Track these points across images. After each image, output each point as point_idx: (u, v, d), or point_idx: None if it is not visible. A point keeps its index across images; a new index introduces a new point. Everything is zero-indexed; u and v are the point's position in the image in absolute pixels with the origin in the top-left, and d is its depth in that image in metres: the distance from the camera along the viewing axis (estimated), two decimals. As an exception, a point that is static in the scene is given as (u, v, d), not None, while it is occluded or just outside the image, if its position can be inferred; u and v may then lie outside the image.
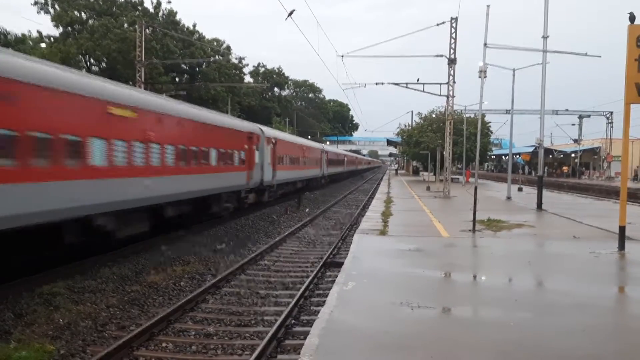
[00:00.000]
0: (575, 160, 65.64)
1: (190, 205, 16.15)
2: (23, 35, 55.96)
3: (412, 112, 57.51)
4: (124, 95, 12.59)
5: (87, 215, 10.75)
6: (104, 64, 52.32)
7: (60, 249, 10.73)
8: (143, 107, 13.26)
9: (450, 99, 27.68)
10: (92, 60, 53.16)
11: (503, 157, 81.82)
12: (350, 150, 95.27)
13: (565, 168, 64.35)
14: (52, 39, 52.20)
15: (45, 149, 9.43)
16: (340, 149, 73.16)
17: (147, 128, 13.25)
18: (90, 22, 52.27)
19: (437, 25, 26.33)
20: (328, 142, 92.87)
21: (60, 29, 52.07)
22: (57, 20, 51.18)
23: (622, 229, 11.12)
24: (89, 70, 49.45)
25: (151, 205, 13.61)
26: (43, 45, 50.82)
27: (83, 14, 52.97)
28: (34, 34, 54.77)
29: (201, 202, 17.04)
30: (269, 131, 26.51)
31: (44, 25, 58.62)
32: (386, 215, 17.80)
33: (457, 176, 46.04)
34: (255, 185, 22.54)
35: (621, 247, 11.01)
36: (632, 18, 10.50)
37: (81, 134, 10.56)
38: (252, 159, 21.94)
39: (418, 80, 27.93)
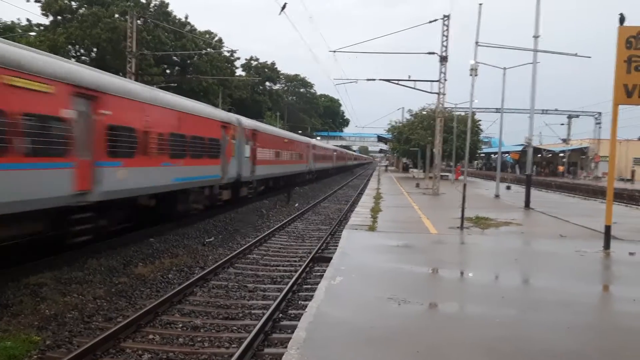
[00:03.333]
0: (564, 160, 66.21)
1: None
2: (12, 22, 55.23)
3: (402, 108, 57.62)
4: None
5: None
6: (93, 54, 51.83)
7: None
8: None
9: (441, 96, 27.78)
10: (82, 50, 52.62)
11: (492, 155, 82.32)
12: (341, 146, 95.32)
13: (560, 167, 64.86)
14: (41, 27, 51.59)
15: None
16: (329, 144, 72.80)
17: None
18: (81, 11, 51.68)
19: (430, 22, 26.42)
20: (319, 137, 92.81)
21: (50, 18, 51.45)
22: (46, 8, 50.55)
23: (607, 229, 11.26)
24: (78, 60, 48.95)
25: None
26: (32, 34, 50.21)
27: (73, 2, 52.36)
28: (24, 22, 54.13)
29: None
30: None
31: (33, 14, 57.99)
32: (375, 211, 17.86)
33: (446, 173, 46.23)
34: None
35: (607, 246, 11.15)
36: (621, 19, 10.59)
37: None
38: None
39: (409, 77, 27.98)
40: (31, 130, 9.19)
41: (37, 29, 51.72)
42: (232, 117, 21.84)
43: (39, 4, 50.95)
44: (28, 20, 53.01)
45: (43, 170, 9.56)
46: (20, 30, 52.65)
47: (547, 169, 70.96)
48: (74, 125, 10.45)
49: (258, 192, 26.12)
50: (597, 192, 36.46)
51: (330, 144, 76.42)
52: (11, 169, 8.80)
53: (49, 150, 9.69)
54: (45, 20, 51.80)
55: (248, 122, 24.43)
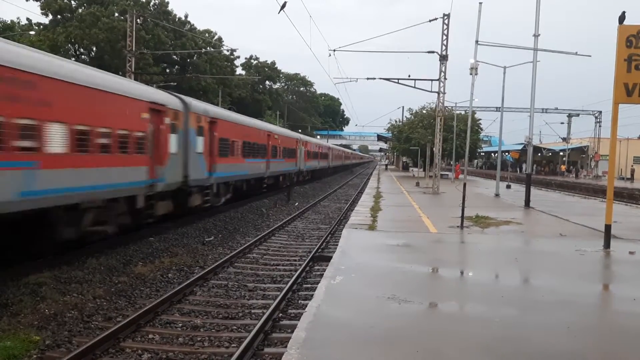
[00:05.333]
0: (564, 159, 66.22)
1: None
2: (12, 22, 55.23)
3: (402, 107, 57.57)
4: None
5: None
6: (92, 53, 51.82)
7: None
8: None
9: (441, 95, 27.77)
10: (81, 50, 52.61)
11: (492, 154, 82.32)
12: (341, 145, 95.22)
13: (563, 167, 64.87)
14: (41, 26, 51.57)
15: None
16: (327, 142, 71.11)
17: None
18: (80, 10, 51.66)
19: (430, 21, 26.40)
20: (319, 136, 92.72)
21: (50, 17, 51.43)
22: (45, 7, 50.53)
23: (607, 228, 11.25)
24: (77, 59, 48.93)
25: None
26: (32, 33, 50.19)
27: (72, 1, 52.33)
28: (24, 22, 54.12)
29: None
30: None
31: (33, 13, 57.97)
32: (375, 210, 17.86)
33: (446, 172, 46.24)
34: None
35: (607, 245, 11.14)
36: (621, 18, 10.58)
37: None
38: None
39: (409, 76, 27.97)
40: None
41: (36, 28, 51.68)
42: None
43: (39, 3, 50.98)
44: (28, 19, 53.06)
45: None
46: (19, 30, 52.64)
47: (547, 168, 70.99)
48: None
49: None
50: (597, 191, 36.47)
51: (330, 143, 76.17)
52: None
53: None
54: (45, 20, 51.84)
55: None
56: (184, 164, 16.06)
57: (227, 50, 63.42)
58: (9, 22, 55.02)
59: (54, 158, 9.83)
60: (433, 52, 27.06)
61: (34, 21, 52.79)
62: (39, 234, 10.29)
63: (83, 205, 11.15)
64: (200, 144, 17.44)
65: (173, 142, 15.28)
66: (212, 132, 18.61)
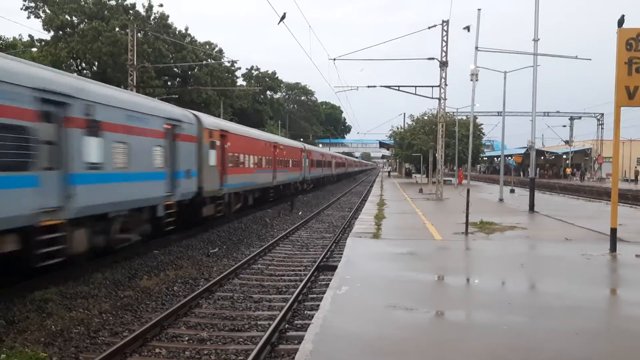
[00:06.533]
0: (567, 162, 66.11)
1: None
2: (14, 39, 55.63)
3: (404, 114, 57.74)
4: None
5: None
6: (95, 68, 52.12)
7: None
8: None
9: (442, 101, 27.82)
10: (83, 64, 52.93)
11: (495, 158, 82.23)
12: (343, 153, 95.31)
13: (568, 170, 64.75)
14: (43, 42, 51.92)
15: None
16: (329, 150, 71.65)
17: None
18: (81, 25, 52.04)
19: (429, 28, 26.52)
20: (320, 145, 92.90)
21: (52, 33, 51.81)
22: (47, 23, 50.92)
23: (613, 231, 11.21)
24: (80, 74, 49.20)
25: None
26: (34, 49, 50.53)
27: (74, 17, 52.72)
28: (25, 38, 54.49)
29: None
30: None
31: (35, 30, 58.57)
32: (379, 218, 17.83)
33: (449, 178, 46.19)
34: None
35: (613, 249, 11.09)
36: (620, 22, 10.60)
37: None
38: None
39: (413, 87, 28.06)
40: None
41: (38, 44, 52.04)
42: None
43: (40, 20, 51.39)
44: (30, 36, 53.39)
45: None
46: (22, 47, 53.03)
47: (551, 171, 70.82)
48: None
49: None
50: (601, 194, 36.34)
51: (332, 151, 76.28)
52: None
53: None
54: (47, 36, 52.20)
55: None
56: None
57: (228, 62, 63.77)
58: (10, 39, 55.41)
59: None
60: (433, 58, 27.16)
61: (35, 37, 53.20)
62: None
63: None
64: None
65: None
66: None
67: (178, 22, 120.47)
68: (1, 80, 8.48)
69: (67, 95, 10.07)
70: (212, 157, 18.36)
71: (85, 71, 52.19)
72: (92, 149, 10.87)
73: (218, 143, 19.00)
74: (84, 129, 10.60)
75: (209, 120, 19.07)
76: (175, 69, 58.37)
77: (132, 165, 12.61)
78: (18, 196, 8.83)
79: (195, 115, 17.60)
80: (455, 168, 46.32)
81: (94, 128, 10.94)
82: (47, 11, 51.27)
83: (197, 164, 16.87)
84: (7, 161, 8.62)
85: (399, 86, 28.83)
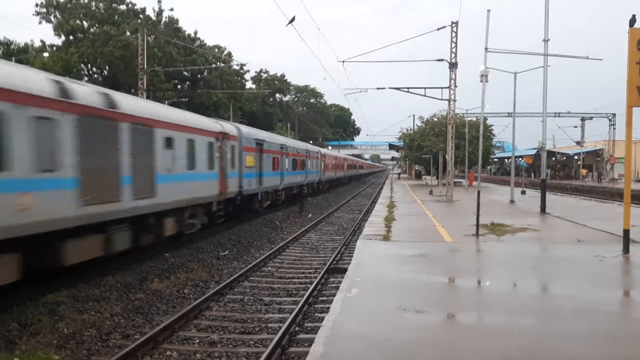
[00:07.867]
0: (579, 163, 65.57)
1: None
2: (25, 44, 56.27)
3: (413, 116, 57.53)
4: None
5: None
6: (105, 72, 52.57)
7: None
8: None
9: (451, 102, 27.71)
10: (94, 69, 53.40)
11: (506, 160, 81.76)
12: (353, 155, 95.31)
13: (583, 171, 64.16)
14: (54, 47, 52.47)
15: None
16: (341, 153, 72.57)
17: None
18: (92, 30, 52.52)
19: (438, 29, 26.43)
20: (330, 147, 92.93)
21: (63, 38, 52.36)
22: (58, 29, 51.46)
23: (626, 232, 11.09)
24: (90, 78, 49.66)
25: None
26: (46, 54, 51.07)
27: (85, 22, 53.23)
28: (37, 44, 55.13)
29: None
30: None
31: (46, 35, 59.32)
32: (389, 220, 17.78)
33: (459, 180, 45.98)
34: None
35: (626, 250, 10.97)
36: (632, 22, 10.49)
37: None
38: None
39: (422, 88, 27.99)
40: None
41: (49, 49, 52.59)
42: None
43: (52, 25, 51.93)
44: (42, 41, 54.01)
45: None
46: (33, 52, 53.63)
47: (562, 172, 70.29)
48: None
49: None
50: (613, 194, 36.00)
51: (342, 153, 76.40)
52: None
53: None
54: (58, 41, 52.74)
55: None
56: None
57: (237, 65, 64.07)
58: (22, 44, 56.06)
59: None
60: (442, 60, 27.08)
61: (47, 43, 53.78)
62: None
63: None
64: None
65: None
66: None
67: (187, 26, 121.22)
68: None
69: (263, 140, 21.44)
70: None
71: (95, 75, 52.67)
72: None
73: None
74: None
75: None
76: (185, 73, 58.70)
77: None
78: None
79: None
80: (465, 169, 46.11)
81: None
82: (58, 16, 51.81)
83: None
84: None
85: (408, 88, 28.75)
